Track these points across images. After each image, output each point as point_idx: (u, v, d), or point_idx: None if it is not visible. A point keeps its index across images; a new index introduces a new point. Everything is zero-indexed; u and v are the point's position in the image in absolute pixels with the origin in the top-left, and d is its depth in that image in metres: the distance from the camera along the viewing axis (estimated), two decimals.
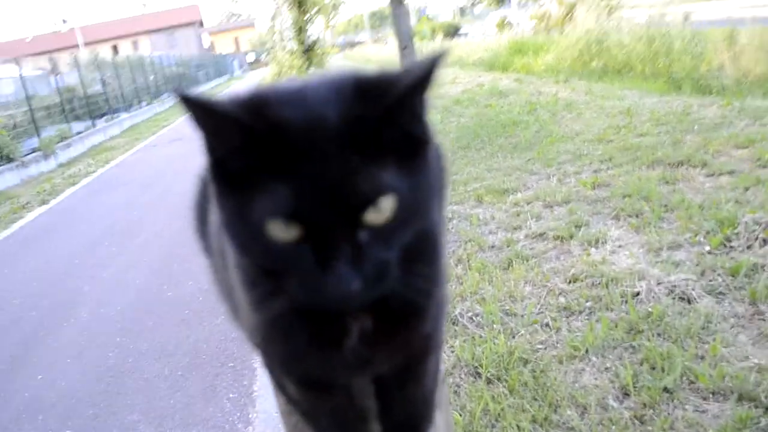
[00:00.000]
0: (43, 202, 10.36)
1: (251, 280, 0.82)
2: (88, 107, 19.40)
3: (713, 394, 2.69)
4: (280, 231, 0.71)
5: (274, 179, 0.70)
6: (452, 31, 46.35)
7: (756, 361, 2.82)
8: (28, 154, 13.84)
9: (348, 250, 0.70)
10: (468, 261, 4.41)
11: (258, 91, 0.77)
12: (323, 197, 0.69)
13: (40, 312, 5.44)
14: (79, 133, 17.17)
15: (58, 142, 15.27)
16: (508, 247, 4.56)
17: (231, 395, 3.69)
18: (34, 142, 14.55)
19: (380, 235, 0.72)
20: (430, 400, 0.98)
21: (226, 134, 0.71)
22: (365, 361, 0.84)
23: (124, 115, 22.27)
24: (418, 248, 0.78)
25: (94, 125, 18.88)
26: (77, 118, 18.35)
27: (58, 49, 42.35)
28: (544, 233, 4.67)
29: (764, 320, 3.11)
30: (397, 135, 0.72)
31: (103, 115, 20.61)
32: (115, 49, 57.73)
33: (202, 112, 0.71)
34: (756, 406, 2.56)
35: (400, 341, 0.86)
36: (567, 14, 20.30)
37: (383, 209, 0.70)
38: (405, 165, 0.73)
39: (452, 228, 5.08)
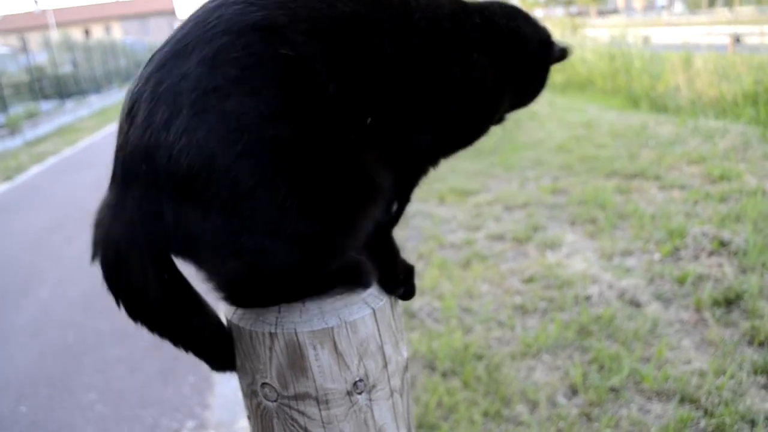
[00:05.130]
0: (8, 179, 10.23)
1: None
2: (58, 87, 19.14)
3: (657, 394, 2.79)
4: None
5: None
6: None
7: (698, 365, 2.93)
8: None
9: None
10: (428, 257, 4.48)
11: None
12: None
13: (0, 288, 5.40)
14: (47, 112, 16.91)
15: (26, 119, 15.04)
16: (467, 246, 4.64)
17: (190, 379, 3.71)
18: (1, 118, 14.33)
19: None
20: None
21: None
22: None
23: (94, 97, 21.97)
24: None
25: (63, 105, 18.62)
26: (46, 97, 18.13)
27: (29, 28, 41.63)
28: (503, 234, 4.76)
29: (707, 327, 3.22)
30: None
31: (72, 96, 20.32)
32: (86, 32, 56.90)
33: None
34: (697, 408, 2.67)
35: None
36: None
37: None
38: None
39: (414, 225, 5.15)
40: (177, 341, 0.98)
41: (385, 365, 0.96)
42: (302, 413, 0.93)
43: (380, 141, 0.94)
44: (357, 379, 0.94)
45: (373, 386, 0.95)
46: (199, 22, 0.88)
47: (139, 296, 0.94)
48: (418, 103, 0.99)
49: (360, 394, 0.94)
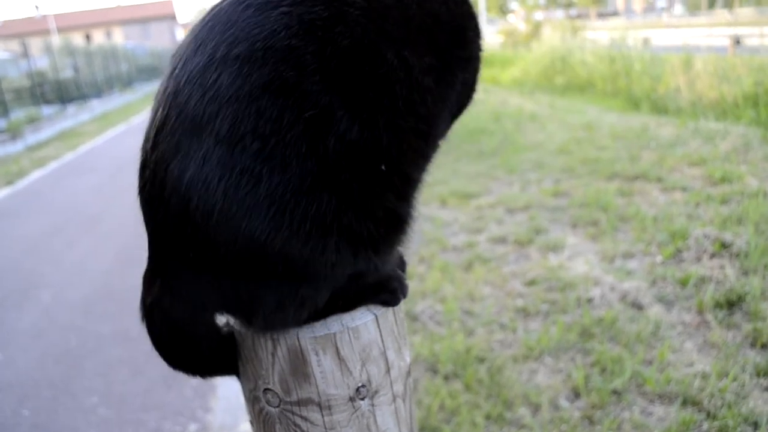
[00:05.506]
0: (9, 183, 10.24)
1: None
2: (59, 92, 19.19)
3: (659, 397, 2.79)
4: None
5: None
6: None
7: (701, 367, 2.93)
8: None
9: None
10: (430, 261, 4.48)
11: None
12: None
13: (1, 292, 5.41)
14: (49, 117, 16.95)
15: (27, 124, 15.07)
16: (469, 248, 4.64)
17: (192, 382, 3.71)
18: (2, 123, 14.36)
19: None
20: None
21: None
22: None
23: (95, 102, 22.01)
24: None
25: (64, 110, 18.66)
26: (47, 102, 18.17)
27: (31, 34, 41.76)
28: (505, 237, 4.77)
29: (710, 329, 3.22)
30: None
31: (73, 101, 20.36)
32: (87, 37, 57.05)
33: None
34: (699, 411, 2.67)
35: None
36: (534, 32, 20.69)
37: None
38: None
39: (416, 228, 5.14)
40: (210, 374, 1.07)
41: (388, 371, 0.96)
42: (305, 419, 0.93)
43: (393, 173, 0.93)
44: (359, 384, 0.94)
45: (376, 392, 0.96)
46: (197, 87, 0.82)
47: (193, 353, 1.00)
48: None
49: (363, 399, 0.94)
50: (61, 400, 3.69)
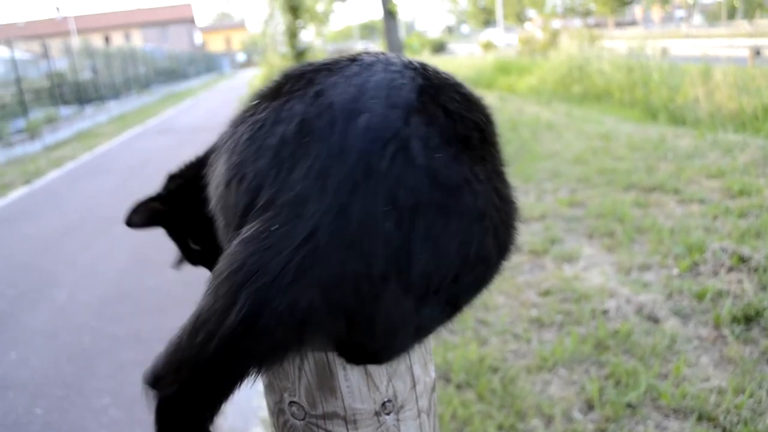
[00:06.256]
0: (27, 183, 10.32)
1: None
2: (77, 93, 19.35)
3: (675, 412, 2.77)
4: None
5: None
6: (439, 47, 47.07)
7: (717, 382, 2.91)
8: (15, 134, 13.78)
9: None
10: None
11: None
12: None
13: (17, 290, 5.45)
14: (67, 117, 17.08)
15: (46, 125, 15.20)
16: None
17: None
18: (21, 123, 14.48)
19: None
20: None
21: None
22: None
23: (112, 103, 22.18)
24: None
25: (82, 111, 18.80)
26: (66, 102, 18.33)
27: (51, 35, 42.15)
28: (520, 246, 4.72)
29: (726, 344, 3.20)
30: None
31: (91, 102, 20.52)
32: (107, 39, 57.51)
33: None
34: (715, 426, 2.65)
35: None
36: (551, 40, 20.68)
37: None
38: None
39: None
40: None
41: (414, 386, 0.96)
42: None
43: None
44: (385, 399, 0.93)
45: (401, 407, 0.95)
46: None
47: None
48: None
49: (388, 414, 0.94)
50: (73, 399, 3.71)
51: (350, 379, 0.91)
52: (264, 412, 3.37)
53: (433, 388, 1.02)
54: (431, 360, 1.01)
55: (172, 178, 1.14)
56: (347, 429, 0.93)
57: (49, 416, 3.58)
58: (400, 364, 0.94)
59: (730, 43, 18.00)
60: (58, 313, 4.90)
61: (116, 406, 3.60)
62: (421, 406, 0.98)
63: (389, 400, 0.94)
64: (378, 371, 0.92)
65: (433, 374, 1.01)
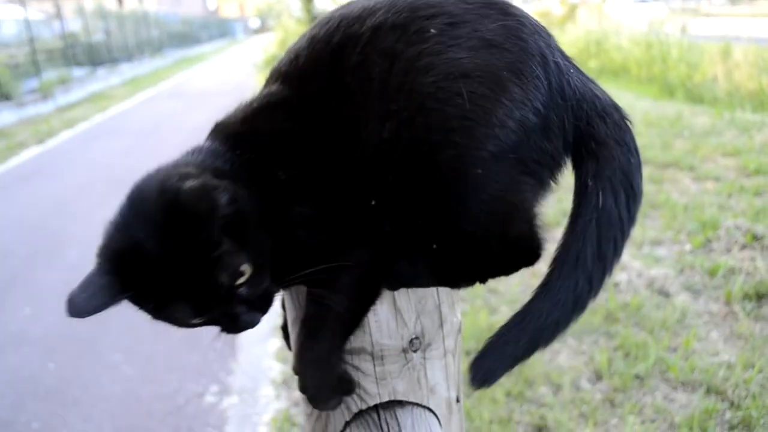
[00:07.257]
0: (40, 142, 10.32)
1: None
2: (90, 54, 19.29)
3: (683, 384, 2.79)
4: None
5: None
6: None
7: (726, 357, 2.92)
8: (27, 94, 13.77)
9: None
10: None
11: None
12: None
13: (30, 248, 5.48)
14: (79, 79, 17.05)
15: (58, 85, 15.17)
16: None
17: (215, 345, 3.74)
18: (34, 83, 14.45)
19: None
20: None
21: None
22: None
23: (125, 66, 22.10)
24: None
25: (94, 72, 18.76)
26: (78, 64, 18.24)
27: None
28: None
29: (737, 320, 3.21)
30: None
31: (104, 63, 20.47)
32: (120, 1, 57.17)
33: None
34: (722, 400, 2.67)
35: None
36: (569, 14, 20.39)
37: None
38: None
39: None
40: None
41: (441, 325, 0.97)
42: (356, 368, 0.94)
43: None
44: (413, 336, 0.94)
45: (428, 345, 0.96)
46: None
47: None
48: None
49: (415, 351, 0.95)
50: (87, 356, 3.75)
51: (379, 314, 0.92)
52: (274, 373, 3.40)
53: (459, 330, 1.03)
54: (458, 301, 1.02)
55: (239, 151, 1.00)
56: (374, 365, 0.93)
57: (63, 371, 3.62)
58: (428, 301, 0.94)
59: (751, 23, 17.73)
60: (70, 271, 4.92)
61: (129, 363, 3.64)
62: (447, 346, 0.99)
63: (417, 337, 0.94)
64: (407, 307, 0.93)
65: (459, 316, 1.02)
